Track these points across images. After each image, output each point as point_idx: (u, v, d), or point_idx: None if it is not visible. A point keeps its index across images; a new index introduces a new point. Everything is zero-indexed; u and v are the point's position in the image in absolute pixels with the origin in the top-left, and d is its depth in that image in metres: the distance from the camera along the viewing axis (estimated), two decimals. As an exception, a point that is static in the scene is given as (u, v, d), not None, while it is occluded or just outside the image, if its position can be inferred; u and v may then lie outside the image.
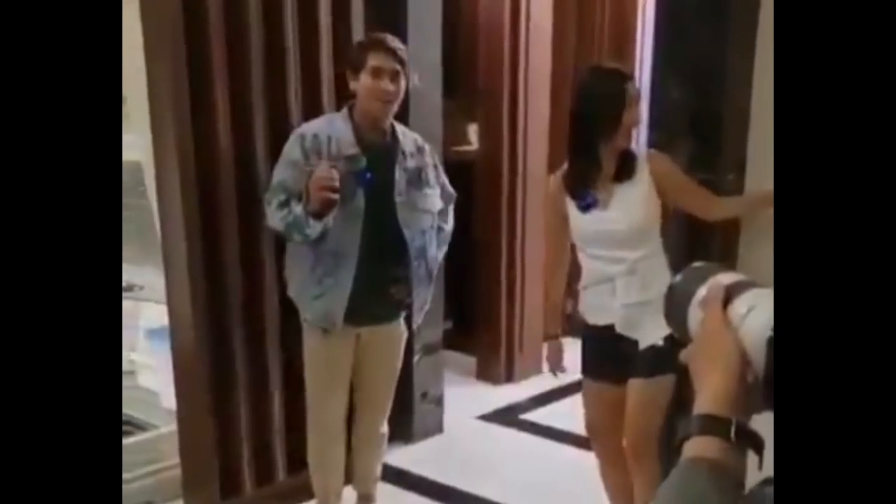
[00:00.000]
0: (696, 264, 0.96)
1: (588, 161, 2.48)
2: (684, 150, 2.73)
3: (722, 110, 2.97)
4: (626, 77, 2.50)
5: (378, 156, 2.67)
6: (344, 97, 3.16)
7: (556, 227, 2.65)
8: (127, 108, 3.25)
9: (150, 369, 3.85)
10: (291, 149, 2.66)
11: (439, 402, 3.95)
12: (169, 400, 3.34)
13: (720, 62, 2.94)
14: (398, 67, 2.64)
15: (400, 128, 2.78)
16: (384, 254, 2.69)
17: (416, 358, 3.78)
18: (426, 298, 2.87)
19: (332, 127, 2.68)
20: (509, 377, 4.62)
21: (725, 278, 0.89)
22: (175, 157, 2.85)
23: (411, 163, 2.73)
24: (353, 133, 2.66)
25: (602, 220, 2.49)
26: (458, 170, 4.17)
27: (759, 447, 0.80)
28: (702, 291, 0.89)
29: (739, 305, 0.84)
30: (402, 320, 2.88)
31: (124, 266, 3.20)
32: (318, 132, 2.66)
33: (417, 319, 2.91)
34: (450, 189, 2.94)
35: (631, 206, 2.48)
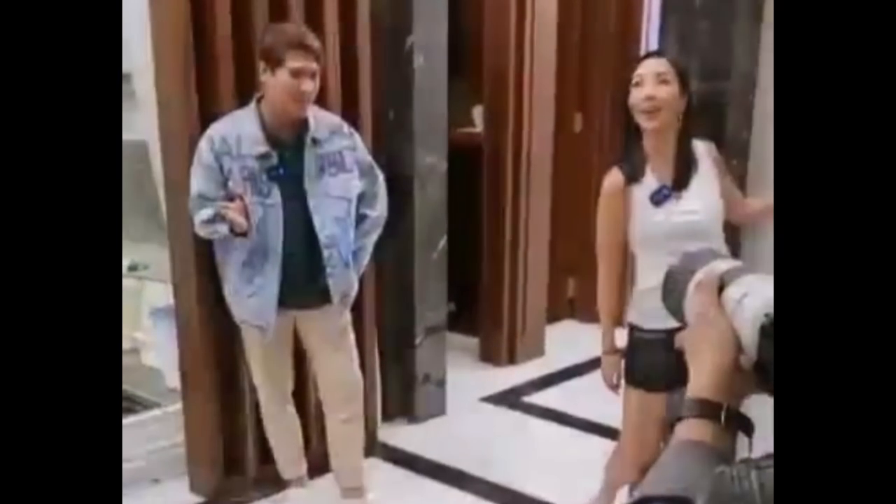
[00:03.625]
0: (694, 250, 0.97)
1: (630, 147, 2.41)
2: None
3: (726, 94, 2.97)
4: (641, 59, 2.47)
5: (289, 148, 2.65)
6: (348, 80, 3.18)
7: (616, 230, 2.46)
8: (132, 87, 3.26)
9: (154, 348, 3.88)
10: (203, 153, 2.63)
11: (442, 383, 3.97)
12: (173, 378, 3.38)
13: (726, 46, 2.94)
14: (316, 66, 2.58)
15: (313, 113, 2.69)
16: (303, 245, 2.68)
17: (418, 340, 3.80)
18: (347, 286, 2.82)
19: (241, 126, 2.63)
20: (511, 359, 4.63)
21: (722, 264, 0.90)
22: (181, 137, 2.86)
23: (324, 148, 2.68)
24: (262, 130, 2.62)
25: (678, 212, 2.36)
26: (463, 152, 4.18)
27: (749, 431, 0.81)
28: (698, 276, 0.90)
29: (733, 291, 0.85)
30: (338, 303, 2.82)
31: (130, 245, 3.22)
32: (226, 134, 2.62)
33: (343, 308, 2.87)
34: (375, 171, 2.86)
35: (706, 196, 2.39)
